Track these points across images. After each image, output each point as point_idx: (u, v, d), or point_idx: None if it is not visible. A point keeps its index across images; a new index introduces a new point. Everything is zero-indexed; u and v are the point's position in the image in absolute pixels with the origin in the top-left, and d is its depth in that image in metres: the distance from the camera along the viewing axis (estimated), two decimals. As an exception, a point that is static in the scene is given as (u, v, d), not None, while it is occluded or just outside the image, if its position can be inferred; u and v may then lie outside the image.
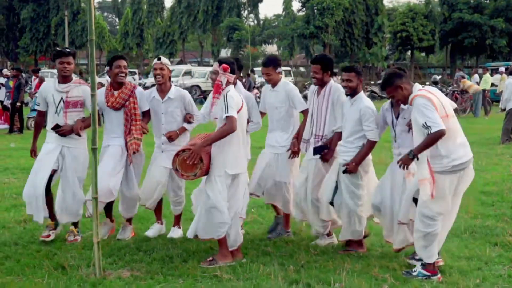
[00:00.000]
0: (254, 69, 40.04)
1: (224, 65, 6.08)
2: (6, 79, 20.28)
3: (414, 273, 5.66)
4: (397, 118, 6.17)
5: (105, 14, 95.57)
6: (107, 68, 7.10)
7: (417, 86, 5.75)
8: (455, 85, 26.80)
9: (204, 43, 71.47)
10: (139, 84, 42.29)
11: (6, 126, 18.55)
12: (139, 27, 68.01)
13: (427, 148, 5.47)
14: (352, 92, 6.38)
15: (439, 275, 5.64)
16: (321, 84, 6.71)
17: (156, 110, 7.04)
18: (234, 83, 6.30)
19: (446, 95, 23.56)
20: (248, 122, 6.66)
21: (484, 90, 24.21)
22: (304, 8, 54.08)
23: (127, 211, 7.08)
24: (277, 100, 6.97)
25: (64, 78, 6.85)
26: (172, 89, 7.05)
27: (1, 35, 67.23)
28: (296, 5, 64.07)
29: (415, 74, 54.84)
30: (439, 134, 5.36)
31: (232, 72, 6.13)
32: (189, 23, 64.50)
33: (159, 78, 6.93)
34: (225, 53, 68.31)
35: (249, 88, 31.80)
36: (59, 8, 64.36)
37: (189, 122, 7.06)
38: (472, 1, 52.86)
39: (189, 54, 74.45)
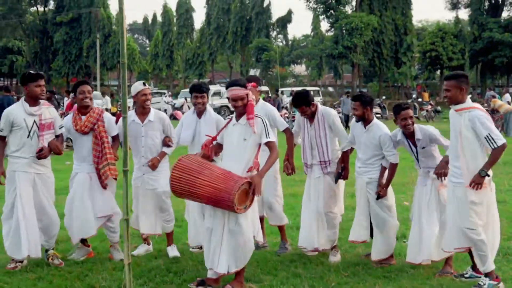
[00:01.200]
0: (283, 89, 40.02)
1: (253, 82, 6.18)
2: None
3: (485, 286, 5.80)
4: (415, 146, 6.59)
5: (136, 36, 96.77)
6: (71, 95, 7.32)
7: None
8: (485, 104, 26.55)
9: (233, 63, 71.89)
10: (169, 104, 42.75)
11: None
12: (169, 48, 68.74)
13: (495, 163, 5.76)
14: (360, 119, 6.79)
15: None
16: (306, 115, 6.96)
17: (135, 133, 7.03)
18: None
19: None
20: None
21: (515, 110, 23.93)
22: (332, 29, 54.10)
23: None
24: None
25: (36, 101, 6.76)
26: (152, 111, 7.12)
27: (35, 58, 68.46)
28: (324, 26, 64.31)
29: (445, 93, 54.43)
30: (504, 147, 5.68)
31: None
32: (218, 44, 65.01)
33: (148, 103, 7.02)
34: (254, 73, 68.59)
35: (278, 108, 31.88)
36: (91, 31, 65.36)
37: (168, 146, 7.12)
38: (502, 20, 52.48)
39: (218, 74, 74.99)
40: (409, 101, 38.80)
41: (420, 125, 6.63)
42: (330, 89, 68.83)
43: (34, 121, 6.70)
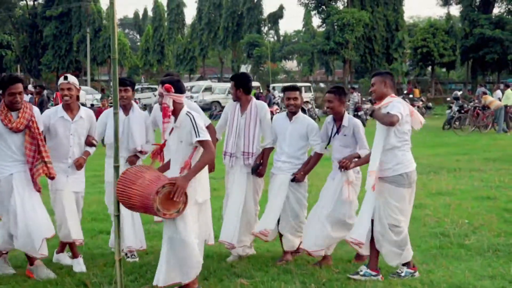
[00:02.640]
0: (274, 85, 40.01)
1: (166, 84, 5.41)
2: (30, 96, 20.53)
3: (402, 274, 6.09)
4: (337, 132, 6.69)
5: (127, 31, 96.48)
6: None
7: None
8: (476, 101, 26.64)
9: (224, 59, 71.83)
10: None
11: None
12: (160, 43, 68.59)
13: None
14: (296, 110, 6.87)
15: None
16: (239, 100, 6.94)
17: (63, 130, 6.55)
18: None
19: (467, 111, 23.39)
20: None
21: (506, 106, 24.04)
22: (324, 24, 54.13)
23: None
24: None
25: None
26: (82, 108, 6.73)
27: (24, 52, 68.13)
28: (316, 21, 64.11)
29: (436, 89, 54.62)
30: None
31: (179, 91, 5.45)
32: (209, 39, 64.92)
33: (67, 98, 6.48)
34: (245, 69, 68.53)
35: (269, 103, 31.88)
36: (81, 25, 65.13)
37: (92, 145, 6.75)
38: (493, 17, 52.63)
39: (209, 70, 74.91)
40: (400, 97, 38.82)
41: (351, 116, 6.86)
42: (322, 85, 68.80)
43: None
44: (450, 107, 26.94)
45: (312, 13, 58.53)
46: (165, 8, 69.74)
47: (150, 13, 74.76)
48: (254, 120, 6.90)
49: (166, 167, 5.72)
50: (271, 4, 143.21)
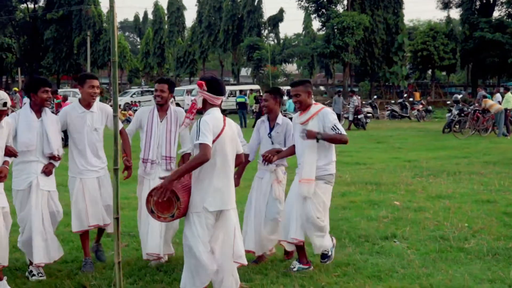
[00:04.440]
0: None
1: (199, 81, 5.27)
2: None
3: (294, 269, 6.45)
4: (271, 130, 6.91)
5: (127, 33, 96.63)
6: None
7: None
8: (476, 104, 26.64)
9: (224, 62, 71.92)
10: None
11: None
12: (160, 46, 68.71)
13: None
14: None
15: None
16: (166, 104, 6.89)
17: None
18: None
19: (467, 114, 23.39)
20: None
21: (506, 110, 24.04)
22: (324, 28, 54.17)
23: None
24: (97, 121, 6.87)
25: None
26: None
27: (25, 55, 68.18)
28: (316, 25, 64.21)
29: (436, 93, 54.66)
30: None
31: (214, 91, 5.23)
32: (209, 42, 65.01)
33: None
34: (245, 72, 68.62)
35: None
36: (81, 28, 65.20)
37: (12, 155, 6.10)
38: (493, 20, 52.69)
39: (209, 73, 74.84)
40: (400, 100, 38.89)
41: (284, 117, 6.98)
42: (322, 88, 68.91)
43: None
44: (450, 111, 26.98)
45: (312, 16, 58.59)
46: (165, 11, 69.84)
47: (150, 16, 74.90)
48: (175, 125, 6.91)
49: None
50: (271, 7, 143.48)
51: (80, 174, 6.71)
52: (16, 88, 38.36)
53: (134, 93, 50.52)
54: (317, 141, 6.25)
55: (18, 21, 69.42)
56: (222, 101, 5.35)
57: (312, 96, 6.53)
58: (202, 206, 5.07)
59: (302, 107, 6.42)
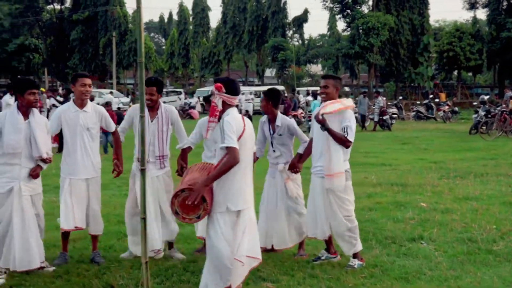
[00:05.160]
0: (299, 89, 39.94)
1: (216, 83, 5.26)
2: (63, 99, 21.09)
3: (356, 266, 6.59)
4: (273, 132, 7.11)
5: (152, 34, 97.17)
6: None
7: None
8: (504, 105, 26.32)
9: (249, 63, 71.96)
10: (185, 104, 42.79)
11: (56, 145, 18.97)
12: (185, 47, 68.96)
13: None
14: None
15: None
16: (155, 105, 6.95)
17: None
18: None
19: (494, 115, 23.11)
20: None
21: (534, 110, 23.74)
22: (349, 28, 53.96)
23: None
24: (90, 121, 6.88)
25: None
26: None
27: (51, 56, 68.91)
28: (341, 25, 64.19)
29: (462, 94, 54.14)
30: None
31: (231, 92, 5.25)
32: (234, 43, 65.08)
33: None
34: (270, 72, 68.59)
35: (294, 107, 31.83)
36: (107, 29, 65.71)
37: None
38: (520, 20, 52.04)
39: (234, 73, 75.02)
40: (426, 101, 38.57)
41: (282, 115, 7.20)
42: (347, 89, 68.65)
43: None
44: (476, 112, 26.68)
45: (337, 17, 58.35)
46: (190, 12, 70.09)
47: (175, 17, 75.21)
48: (166, 123, 7.00)
49: None
50: (295, 8, 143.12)
51: (69, 174, 6.74)
52: (43, 89, 38.74)
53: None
54: (321, 129, 6.47)
55: (45, 22, 70.18)
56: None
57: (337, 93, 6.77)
58: (226, 206, 5.09)
59: (327, 98, 6.67)
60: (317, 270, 6.54)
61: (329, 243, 6.93)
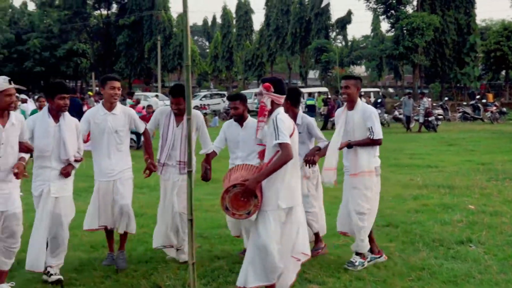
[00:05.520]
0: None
1: (265, 83, 5.32)
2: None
3: (356, 264, 6.67)
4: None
5: (196, 38, 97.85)
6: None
7: None
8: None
9: (292, 65, 71.85)
10: (228, 106, 43.00)
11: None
12: (228, 50, 69.25)
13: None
14: (239, 118, 7.12)
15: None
16: (180, 111, 6.84)
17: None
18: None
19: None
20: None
21: None
22: (393, 29, 53.40)
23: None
24: (118, 124, 6.87)
25: None
26: (12, 114, 5.77)
27: (98, 60, 70.09)
28: (385, 26, 63.59)
29: (510, 94, 53.03)
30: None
31: (279, 92, 5.32)
32: (277, 45, 65.06)
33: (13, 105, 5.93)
34: (313, 74, 68.39)
35: (338, 108, 31.60)
36: (152, 33, 66.50)
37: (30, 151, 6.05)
38: None
39: (277, 75, 75.03)
40: (473, 102, 37.93)
41: (303, 113, 7.23)
42: (391, 90, 67.96)
43: None
44: (525, 112, 26.13)
45: (381, 17, 57.83)
46: (234, 15, 70.37)
47: (218, 20, 75.69)
48: (193, 130, 6.89)
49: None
50: (339, 10, 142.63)
51: (98, 176, 6.81)
52: (90, 93, 39.42)
53: (203, 96, 51.10)
54: (348, 148, 6.74)
55: (92, 27, 71.43)
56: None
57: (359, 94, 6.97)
58: (276, 204, 5.12)
59: (349, 99, 6.80)
60: (364, 272, 6.51)
61: (371, 243, 6.92)
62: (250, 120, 7.15)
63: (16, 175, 5.53)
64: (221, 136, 7.27)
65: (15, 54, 67.64)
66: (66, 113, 6.35)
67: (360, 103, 6.87)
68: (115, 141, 6.79)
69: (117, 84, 6.85)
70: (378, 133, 6.67)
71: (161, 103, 36.14)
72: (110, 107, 6.84)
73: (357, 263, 6.67)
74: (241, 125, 7.13)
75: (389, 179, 12.82)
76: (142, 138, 7.19)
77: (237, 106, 7.05)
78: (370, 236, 6.91)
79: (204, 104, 44.74)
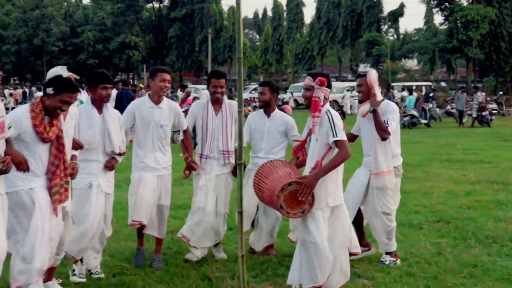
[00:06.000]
0: (394, 84, 39.22)
1: (321, 78, 5.27)
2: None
3: (387, 263, 6.57)
4: None
5: (246, 30, 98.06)
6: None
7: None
8: None
9: (342, 58, 71.34)
10: (278, 99, 43.01)
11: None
12: (279, 43, 69.19)
13: None
14: (265, 105, 7.02)
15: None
16: (219, 99, 6.81)
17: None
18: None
19: None
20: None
21: None
22: (447, 22, 52.43)
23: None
24: (164, 118, 6.65)
25: None
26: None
27: (150, 53, 70.95)
28: (438, 19, 62.45)
29: None
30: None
31: (328, 86, 5.31)
32: (328, 38, 64.69)
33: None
34: (363, 68, 67.66)
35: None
36: (203, 26, 66.98)
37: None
38: None
39: (327, 69, 74.52)
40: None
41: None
42: (443, 84, 66.82)
43: None
44: None
45: (434, 10, 56.83)
46: (284, 8, 70.25)
47: (269, 13, 75.61)
48: (230, 118, 6.82)
49: (301, 163, 5.68)
50: (391, 2, 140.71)
51: (141, 170, 6.53)
52: (141, 85, 39.96)
53: (253, 89, 51.19)
54: (371, 112, 6.46)
55: (144, 20, 72.31)
56: None
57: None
58: (326, 202, 5.10)
59: (364, 97, 6.68)
60: (414, 267, 6.44)
61: (361, 235, 6.82)
62: (277, 113, 7.09)
63: (71, 176, 5.46)
64: (246, 129, 7.09)
65: (69, 47, 69.18)
66: (109, 104, 6.20)
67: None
68: (159, 136, 6.59)
69: (168, 76, 6.64)
70: (390, 129, 6.47)
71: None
72: (157, 100, 6.60)
73: (387, 262, 6.59)
74: (268, 115, 7.02)
75: (441, 174, 12.64)
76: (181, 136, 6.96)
77: (265, 92, 6.98)
78: (361, 229, 6.89)
79: (253, 97, 44.81)
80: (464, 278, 6.11)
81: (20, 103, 38.09)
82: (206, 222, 6.66)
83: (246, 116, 10.17)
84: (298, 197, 4.98)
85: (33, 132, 4.95)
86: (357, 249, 5.61)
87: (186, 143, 6.88)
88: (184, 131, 6.92)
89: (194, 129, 7.12)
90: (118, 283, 6.02)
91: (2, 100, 6.00)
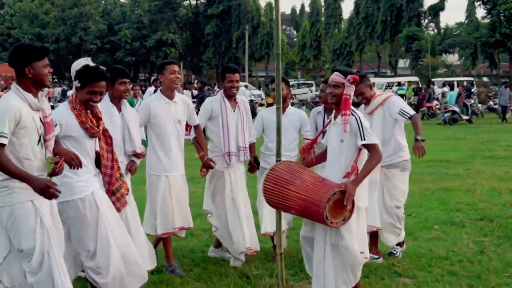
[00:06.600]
0: (434, 80, 38.70)
1: (354, 75, 5.09)
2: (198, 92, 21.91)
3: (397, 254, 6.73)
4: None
5: (283, 27, 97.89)
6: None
7: None
8: None
9: (381, 53, 70.67)
10: (315, 96, 42.78)
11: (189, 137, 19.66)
12: (316, 39, 68.87)
13: None
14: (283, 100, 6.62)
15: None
16: (232, 96, 6.65)
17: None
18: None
19: None
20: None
21: None
22: (489, 15, 51.50)
23: None
24: (181, 113, 6.43)
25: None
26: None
27: (187, 50, 71.33)
28: (480, 12, 61.09)
29: None
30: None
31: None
32: (366, 34, 64.12)
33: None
34: (403, 63, 67.07)
35: (429, 99, 30.91)
36: (240, 23, 67.02)
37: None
38: None
39: (366, 65, 74.01)
40: None
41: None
42: (485, 79, 65.69)
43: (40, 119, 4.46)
44: None
45: (476, 3, 55.85)
46: (322, 3, 69.90)
47: (307, 9, 75.27)
48: (245, 113, 6.73)
49: (306, 164, 5.43)
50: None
51: (165, 171, 6.21)
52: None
53: (290, 86, 51.11)
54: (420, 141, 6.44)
55: (181, 17, 72.70)
56: None
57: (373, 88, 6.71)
58: (356, 205, 4.94)
59: (366, 100, 6.62)
60: (457, 266, 6.31)
61: (372, 242, 6.59)
62: (291, 108, 7.12)
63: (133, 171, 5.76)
64: (258, 126, 7.02)
65: (107, 45, 69.87)
66: (126, 101, 5.93)
67: (378, 97, 6.63)
68: (177, 132, 6.33)
69: (176, 67, 6.35)
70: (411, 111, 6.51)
71: (248, 93, 36.40)
72: (171, 95, 6.31)
73: (398, 253, 6.74)
74: (283, 111, 6.58)
75: (483, 171, 12.37)
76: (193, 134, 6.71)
77: (283, 88, 6.63)
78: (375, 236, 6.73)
79: (291, 94, 44.64)
80: (508, 277, 5.97)
81: (59, 101, 38.62)
82: (239, 227, 6.51)
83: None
84: (340, 205, 4.82)
85: (80, 129, 4.84)
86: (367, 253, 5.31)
87: (199, 140, 6.66)
88: (196, 128, 6.67)
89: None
90: (157, 280, 6.04)
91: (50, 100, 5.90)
